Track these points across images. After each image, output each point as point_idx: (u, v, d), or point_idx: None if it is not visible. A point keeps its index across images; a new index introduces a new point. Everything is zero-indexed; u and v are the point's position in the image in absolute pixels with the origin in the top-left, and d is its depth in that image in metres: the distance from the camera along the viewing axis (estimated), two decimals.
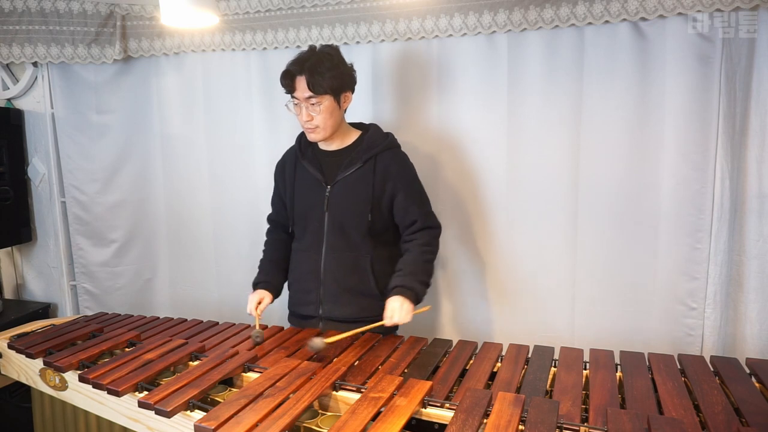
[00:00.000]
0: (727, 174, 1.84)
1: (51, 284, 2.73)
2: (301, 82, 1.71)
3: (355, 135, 1.86)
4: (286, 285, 1.97)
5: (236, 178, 2.46)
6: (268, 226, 2.05)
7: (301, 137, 1.90)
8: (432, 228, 1.86)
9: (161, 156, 2.56)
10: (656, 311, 1.99)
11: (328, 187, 1.80)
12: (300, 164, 1.87)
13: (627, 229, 1.98)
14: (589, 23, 1.88)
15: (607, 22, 1.86)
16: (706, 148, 1.85)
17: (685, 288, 1.94)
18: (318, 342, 1.58)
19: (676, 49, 1.83)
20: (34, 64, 2.53)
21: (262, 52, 2.31)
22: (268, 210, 2.41)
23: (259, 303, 1.82)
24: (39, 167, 2.64)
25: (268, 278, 1.91)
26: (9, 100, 2.62)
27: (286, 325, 1.96)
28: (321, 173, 1.82)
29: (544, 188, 2.06)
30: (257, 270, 1.95)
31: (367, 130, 1.87)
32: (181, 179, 2.55)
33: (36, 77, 2.57)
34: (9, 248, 2.72)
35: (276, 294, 1.90)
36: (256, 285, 1.89)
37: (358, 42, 2.14)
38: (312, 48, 1.77)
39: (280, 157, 2.36)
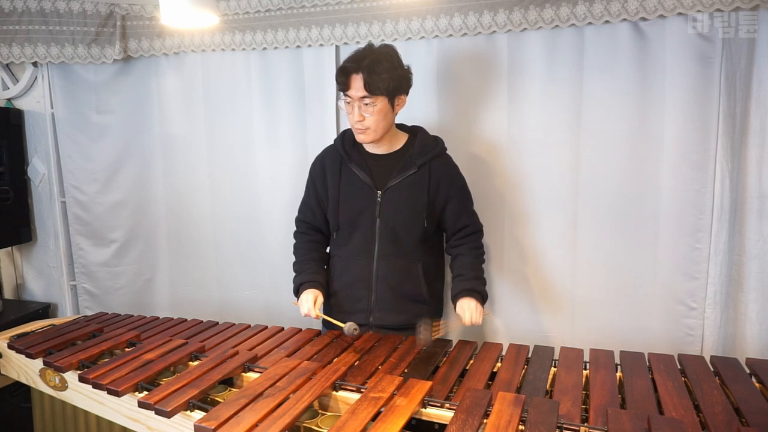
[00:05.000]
0: (727, 174, 1.84)
1: (51, 284, 2.73)
2: (357, 81, 1.65)
3: (403, 139, 1.82)
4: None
5: (236, 178, 2.46)
6: (296, 228, 1.96)
7: (344, 137, 1.84)
8: (480, 231, 1.88)
9: (161, 156, 2.56)
10: (656, 311, 1.99)
11: (379, 192, 1.76)
12: (346, 167, 1.80)
13: (627, 229, 1.99)
14: (589, 23, 1.88)
15: (607, 22, 1.86)
16: (706, 148, 1.85)
17: (685, 288, 1.94)
18: (426, 335, 1.62)
19: (676, 49, 1.83)
20: (34, 64, 2.53)
21: (262, 52, 2.31)
22: (268, 209, 2.42)
23: (315, 303, 1.73)
24: (39, 167, 2.64)
25: (315, 277, 1.81)
26: (9, 100, 2.62)
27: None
28: (371, 178, 1.77)
29: (544, 188, 2.06)
30: (295, 273, 1.86)
31: (415, 133, 1.83)
32: (181, 179, 2.54)
33: (36, 77, 2.57)
34: (9, 248, 2.72)
35: (324, 293, 1.81)
36: (303, 285, 1.79)
37: (358, 42, 2.14)
38: (370, 45, 1.72)
39: (279, 156, 2.37)
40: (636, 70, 1.89)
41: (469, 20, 1.99)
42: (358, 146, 1.82)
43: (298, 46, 2.24)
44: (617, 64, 1.90)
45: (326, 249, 1.96)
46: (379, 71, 1.63)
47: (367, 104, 1.66)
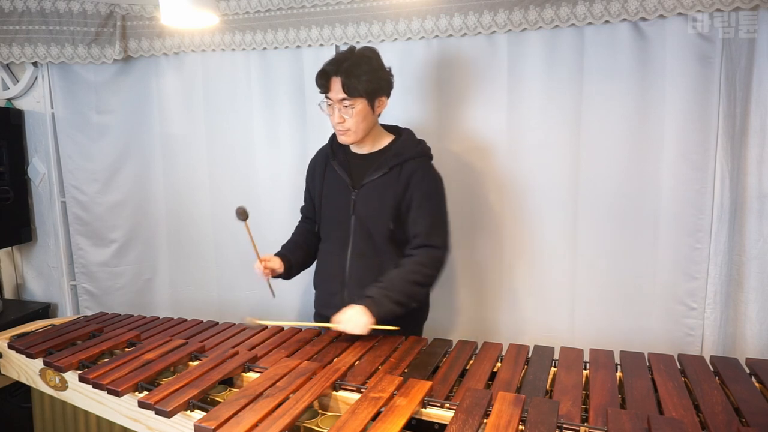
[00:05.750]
0: (727, 174, 1.85)
1: (51, 284, 2.73)
2: (336, 84, 1.68)
3: (387, 140, 1.83)
4: (310, 286, 1.98)
5: (236, 178, 2.46)
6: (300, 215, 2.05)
7: (334, 137, 1.88)
8: (432, 247, 1.72)
9: (161, 156, 2.56)
10: (656, 311, 1.99)
11: (355, 190, 1.79)
12: (330, 165, 1.86)
13: (627, 229, 1.99)
14: (589, 23, 1.88)
15: (607, 22, 1.86)
16: (706, 148, 1.85)
17: (685, 288, 1.94)
18: (249, 320, 1.71)
19: (676, 49, 1.83)
20: (34, 64, 2.53)
21: (262, 52, 2.31)
22: (268, 209, 2.43)
23: (269, 263, 1.81)
24: (39, 167, 2.64)
25: (285, 251, 1.89)
26: (9, 100, 2.62)
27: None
28: (349, 176, 1.80)
29: (544, 188, 2.06)
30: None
31: (400, 135, 1.84)
32: (181, 179, 2.55)
33: (36, 77, 2.57)
34: (9, 248, 2.72)
35: (287, 266, 1.84)
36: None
37: (358, 42, 2.14)
38: (351, 48, 1.74)
39: (279, 156, 2.38)
40: (636, 70, 1.89)
41: (469, 20, 1.99)
42: (345, 146, 1.85)
43: (298, 46, 2.24)
44: (617, 64, 1.90)
45: (317, 236, 1.97)
46: (357, 74, 1.65)
47: (346, 106, 1.69)
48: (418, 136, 2.15)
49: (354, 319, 1.62)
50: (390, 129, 1.88)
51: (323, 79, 1.71)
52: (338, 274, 1.84)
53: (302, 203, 2.04)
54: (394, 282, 1.68)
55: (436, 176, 1.81)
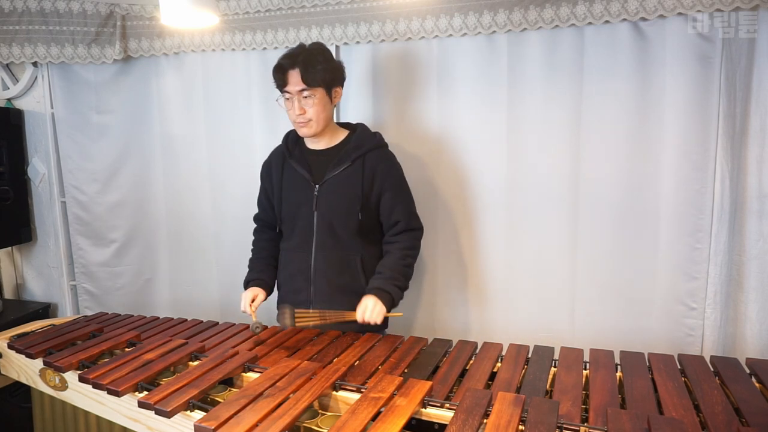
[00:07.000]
0: (727, 174, 1.84)
1: (51, 284, 2.73)
2: (294, 76, 1.72)
3: (342, 134, 1.87)
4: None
5: (236, 177, 2.46)
6: (255, 225, 2.06)
7: (288, 136, 1.91)
8: (415, 230, 1.88)
9: (161, 156, 2.56)
10: (656, 311, 1.99)
11: (317, 186, 1.81)
12: (287, 163, 1.88)
13: (627, 229, 1.98)
14: (589, 23, 1.88)
15: (607, 22, 1.86)
16: (706, 148, 1.85)
17: (685, 288, 1.94)
18: (285, 320, 1.66)
19: (676, 49, 1.83)
20: (34, 64, 2.54)
21: (262, 52, 2.31)
22: None
23: (253, 300, 1.83)
24: (39, 167, 2.64)
25: (261, 275, 1.90)
26: (9, 100, 2.62)
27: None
28: (309, 172, 1.83)
29: (544, 188, 2.06)
30: (247, 270, 1.96)
31: (355, 129, 1.88)
32: (181, 179, 2.55)
33: (36, 77, 2.57)
34: (9, 248, 2.72)
35: (269, 291, 1.90)
36: (248, 283, 1.90)
37: (358, 42, 2.14)
38: (301, 44, 1.80)
39: None
40: (636, 70, 1.89)
41: (469, 20, 1.99)
42: (300, 144, 1.88)
43: None
44: (617, 64, 1.90)
45: (279, 244, 2.00)
46: (314, 64, 1.71)
47: (306, 97, 1.73)
48: (420, 137, 2.16)
49: (372, 309, 1.68)
50: (342, 125, 1.91)
51: (280, 73, 1.75)
52: (303, 271, 1.85)
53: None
54: (393, 269, 1.79)
55: (398, 163, 1.89)
